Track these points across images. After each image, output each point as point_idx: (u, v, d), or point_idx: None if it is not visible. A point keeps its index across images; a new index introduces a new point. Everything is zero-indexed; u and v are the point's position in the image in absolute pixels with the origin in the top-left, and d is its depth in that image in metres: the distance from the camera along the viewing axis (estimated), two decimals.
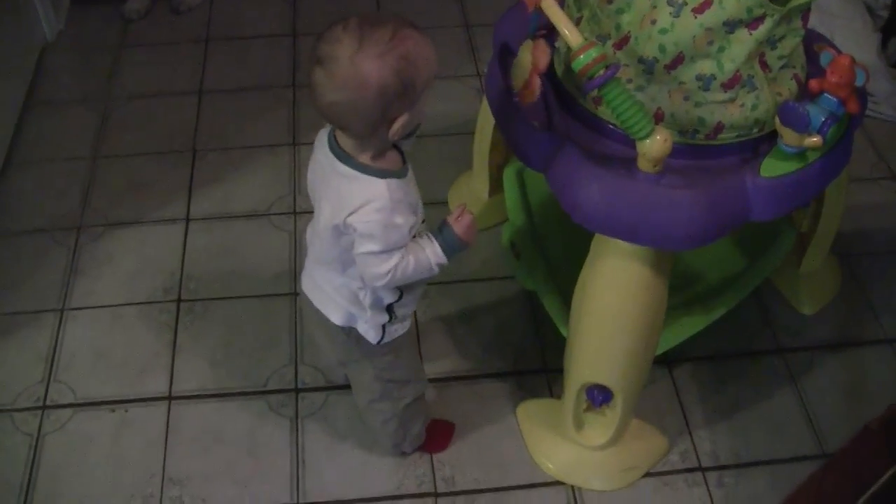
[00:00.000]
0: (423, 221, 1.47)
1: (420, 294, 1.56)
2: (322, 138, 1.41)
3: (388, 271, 1.38)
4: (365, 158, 1.36)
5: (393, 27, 1.28)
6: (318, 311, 1.55)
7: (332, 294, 1.51)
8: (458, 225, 1.44)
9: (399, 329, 1.56)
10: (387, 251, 1.37)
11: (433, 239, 1.43)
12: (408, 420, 1.73)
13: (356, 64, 1.26)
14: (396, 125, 1.31)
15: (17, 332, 2.06)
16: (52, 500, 1.78)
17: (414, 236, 1.43)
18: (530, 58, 1.54)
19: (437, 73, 1.34)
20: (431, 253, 1.42)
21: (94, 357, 2.01)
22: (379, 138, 1.33)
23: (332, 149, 1.37)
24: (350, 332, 1.55)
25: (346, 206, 1.34)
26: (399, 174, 1.37)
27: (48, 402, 1.92)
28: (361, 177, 1.35)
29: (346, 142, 1.36)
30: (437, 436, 1.84)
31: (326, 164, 1.38)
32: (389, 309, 1.51)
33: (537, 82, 1.54)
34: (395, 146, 1.42)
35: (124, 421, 1.90)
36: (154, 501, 1.78)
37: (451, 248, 1.43)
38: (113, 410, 1.92)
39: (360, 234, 1.35)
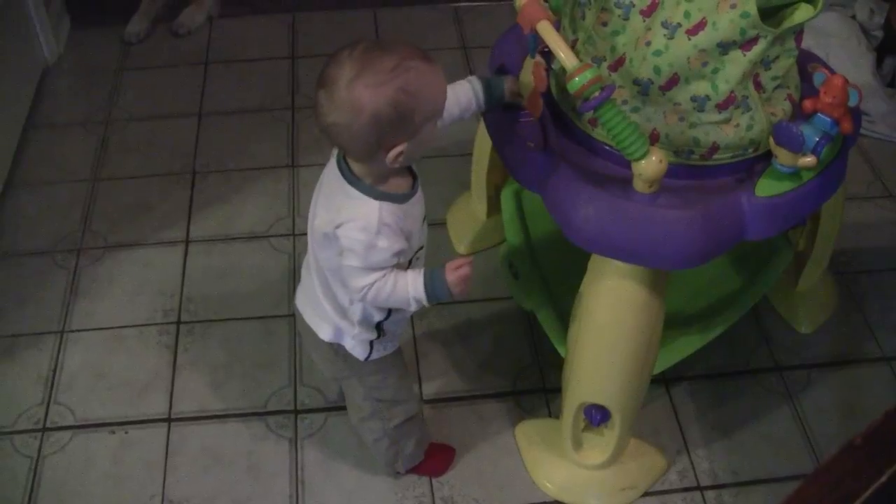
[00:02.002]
0: (421, 248, 1.47)
1: (408, 316, 1.56)
2: (335, 150, 1.42)
3: (363, 287, 1.39)
4: (368, 178, 1.37)
5: (399, 57, 1.28)
6: (308, 328, 1.56)
7: (322, 305, 1.51)
8: (453, 273, 1.40)
9: (388, 347, 1.57)
10: (366, 269, 1.37)
11: (420, 274, 1.40)
12: (399, 440, 1.73)
13: (352, 90, 1.27)
14: (393, 153, 1.32)
15: (17, 353, 2.06)
16: None
17: (410, 262, 1.44)
18: (532, 77, 1.56)
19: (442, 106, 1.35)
20: (412, 286, 1.39)
21: (93, 379, 2.01)
22: (378, 163, 1.34)
23: (339, 164, 1.39)
24: (338, 350, 1.55)
25: (336, 218, 1.36)
26: (399, 199, 1.38)
27: (48, 424, 1.93)
28: (357, 195, 1.37)
29: (352, 160, 1.38)
30: (437, 460, 1.84)
31: (334, 177, 1.40)
32: (378, 326, 1.52)
33: (541, 101, 1.56)
34: (409, 168, 1.42)
35: (124, 442, 1.90)
36: None
37: (435, 289, 1.40)
38: (113, 432, 1.92)
39: (343, 248, 1.37)
